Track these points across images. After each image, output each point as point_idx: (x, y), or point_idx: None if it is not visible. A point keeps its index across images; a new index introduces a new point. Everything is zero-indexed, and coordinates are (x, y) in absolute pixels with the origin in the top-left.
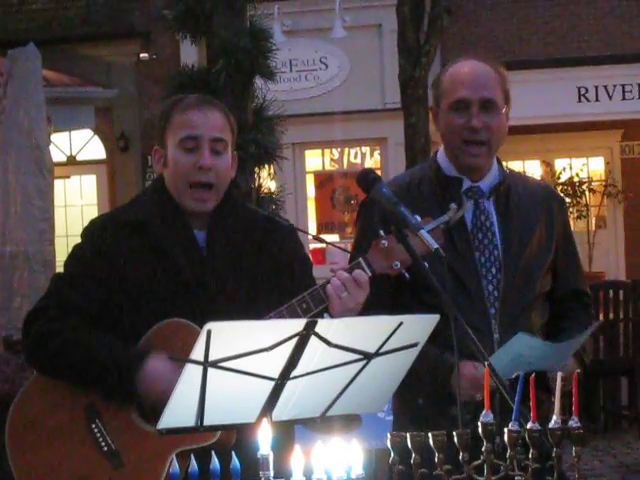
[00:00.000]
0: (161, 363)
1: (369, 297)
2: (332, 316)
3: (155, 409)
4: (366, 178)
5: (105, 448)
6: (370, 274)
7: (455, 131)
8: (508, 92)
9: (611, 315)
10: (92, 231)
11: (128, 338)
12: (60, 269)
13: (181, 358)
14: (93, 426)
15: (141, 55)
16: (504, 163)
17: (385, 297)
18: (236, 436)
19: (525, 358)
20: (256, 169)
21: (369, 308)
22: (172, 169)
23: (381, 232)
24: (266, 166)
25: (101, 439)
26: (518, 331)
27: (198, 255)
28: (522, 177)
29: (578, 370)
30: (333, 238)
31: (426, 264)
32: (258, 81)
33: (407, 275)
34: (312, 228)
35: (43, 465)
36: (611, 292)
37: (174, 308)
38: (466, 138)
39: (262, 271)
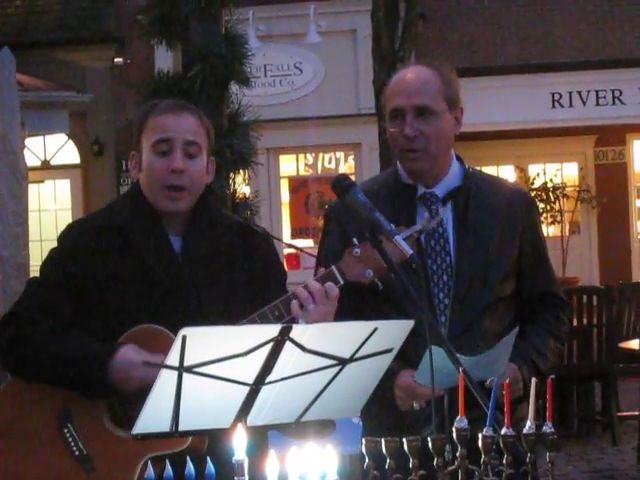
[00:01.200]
0: (133, 352)
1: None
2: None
3: (127, 414)
4: (341, 184)
5: (77, 453)
6: (343, 282)
7: (393, 140)
8: (454, 97)
9: (585, 320)
10: (68, 235)
11: (102, 342)
12: (34, 274)
13: (156, 363)
14: (65, 431)
15: (115, 60)
16: (478, 168)
17: (349, 306)
18: (208, 441)
19: (444, 368)
20: (231, 174)
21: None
22: (146, 172)
23: (354, 240)
24: (241, 171)
25: (72, 444)
26: (469, 338)
27: (173, 261)
28: (489, 180)
29: (534, 379)
30: (307, 243)
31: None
32: (233, 87)
33: (380, 284)
34: (286, 233)
35: (14, 470)
36: (585, 297)
37: (148, 313)
38: (402, 146)
39: (237, 278)
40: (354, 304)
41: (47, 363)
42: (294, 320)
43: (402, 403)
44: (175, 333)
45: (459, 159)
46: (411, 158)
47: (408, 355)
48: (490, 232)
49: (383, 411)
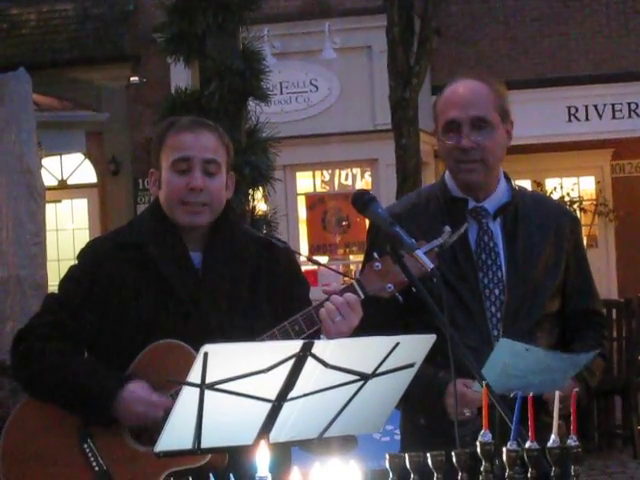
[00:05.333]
0: (139, 387)
1: (369, 319)
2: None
3: (147, 429)
4: (361, 199)
5: (96, 468)
6: (363, 297)
7: (448, 152)
8: (506, 109)
9: None
10: (88, 252)
11: (122, 359)
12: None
13: (178, 381)
14: (85, 446)
15: (131, 79)
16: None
17: (386, 319)
18: (228, 457)
19: (513, 368)
20: (250, 191)
21: (368, 329)
22: (165, 191)
23: (375, 254)
24: (260, 188)
25: (92, 459)
26: None
27: (193, 276)
28: (534, 196)
29: (576, 389)
30: (324, 260)
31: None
32: (251, 103)
33: (401, 298)
34: (304, 250)
35: None
36: (604, 311)
37: (168, 329)
38: (458, 158)
39: (257, 293)
40: (394, 317)
41: (54, 386)
42: (314, 335)
43: (453, 411)
44: (196, 349)
45: (506, 176)
46: (467, 169)
47: (461, 366)
48: (539, 248)
49: (431, 422)
